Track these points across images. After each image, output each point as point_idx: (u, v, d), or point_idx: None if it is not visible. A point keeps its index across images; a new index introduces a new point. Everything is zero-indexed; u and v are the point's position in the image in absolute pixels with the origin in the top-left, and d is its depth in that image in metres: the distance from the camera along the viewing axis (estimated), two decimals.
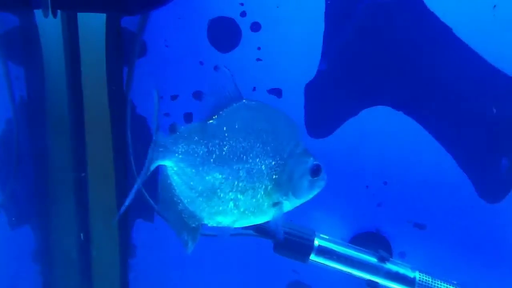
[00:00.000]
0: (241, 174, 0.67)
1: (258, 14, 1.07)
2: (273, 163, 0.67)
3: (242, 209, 0.68)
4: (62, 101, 1.08)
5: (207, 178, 0.66)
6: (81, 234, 1.12)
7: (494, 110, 1.07)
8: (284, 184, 0.68)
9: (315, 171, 0.70)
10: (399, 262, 1.06)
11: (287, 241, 1.02)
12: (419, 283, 1.02)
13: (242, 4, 1.06)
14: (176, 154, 0.66)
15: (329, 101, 1.11)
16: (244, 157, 0.66)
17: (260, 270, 1.20)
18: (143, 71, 1.09)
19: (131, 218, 1.18)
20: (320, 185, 0.71)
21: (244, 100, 0.69)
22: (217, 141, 0.66)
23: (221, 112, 0.68)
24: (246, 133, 0.67)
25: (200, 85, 1.11)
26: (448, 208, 1.13)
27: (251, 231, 1.00)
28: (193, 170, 0.66)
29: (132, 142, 1.08)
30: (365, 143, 1.12)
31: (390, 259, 1.05)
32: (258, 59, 1.09)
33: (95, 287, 1.15)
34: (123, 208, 0.68)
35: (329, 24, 1.07)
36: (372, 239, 1.16)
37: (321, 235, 1.05)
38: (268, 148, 0.67)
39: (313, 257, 1.02)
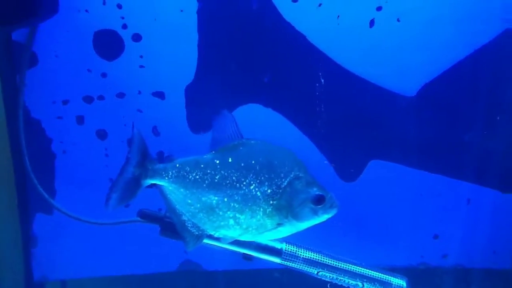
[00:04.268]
0: (236, 198, 0.79)
1: (138, 26, 1.21)
2: (269, 191, 0.79)
3: (244, 226, 0.80)
4: None
5: (203, 199, 0.79)
6: None
7: None
8: (283, 209, 0.80)
9: (318, 201, 0.80)
10: None
11: (171, 225, 1.16)
12: (285, 252, 1.19)
13: (123, 18, 1.20)
14: (167, 178, 0.79)
15: (208, 100, 1.27)
16: (238, 184, 0.78)
17: (155, 253, 1.34)
18: (36, 79, 1.21)
19: (31, 212, 1.29)
20: (327, 212, 0.82)
21: (243, 139, 0.82)
22: (208, 171, 0.79)
23: (218, 149, 0.82)
24: (238, 165, 0.79)
25: (89, 90, 1.24)
26: None
27: (137, 218, 1.13)
28: (187, 191, 0.80)
29: (29, 142, 1.19)
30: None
31: None
32: (141, 66, 1.23)
33: (0, 274, 1.25)
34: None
35: (202, 33, 1.22)
36: None
37: None
38: (262, 178, 0.79)
39: None
